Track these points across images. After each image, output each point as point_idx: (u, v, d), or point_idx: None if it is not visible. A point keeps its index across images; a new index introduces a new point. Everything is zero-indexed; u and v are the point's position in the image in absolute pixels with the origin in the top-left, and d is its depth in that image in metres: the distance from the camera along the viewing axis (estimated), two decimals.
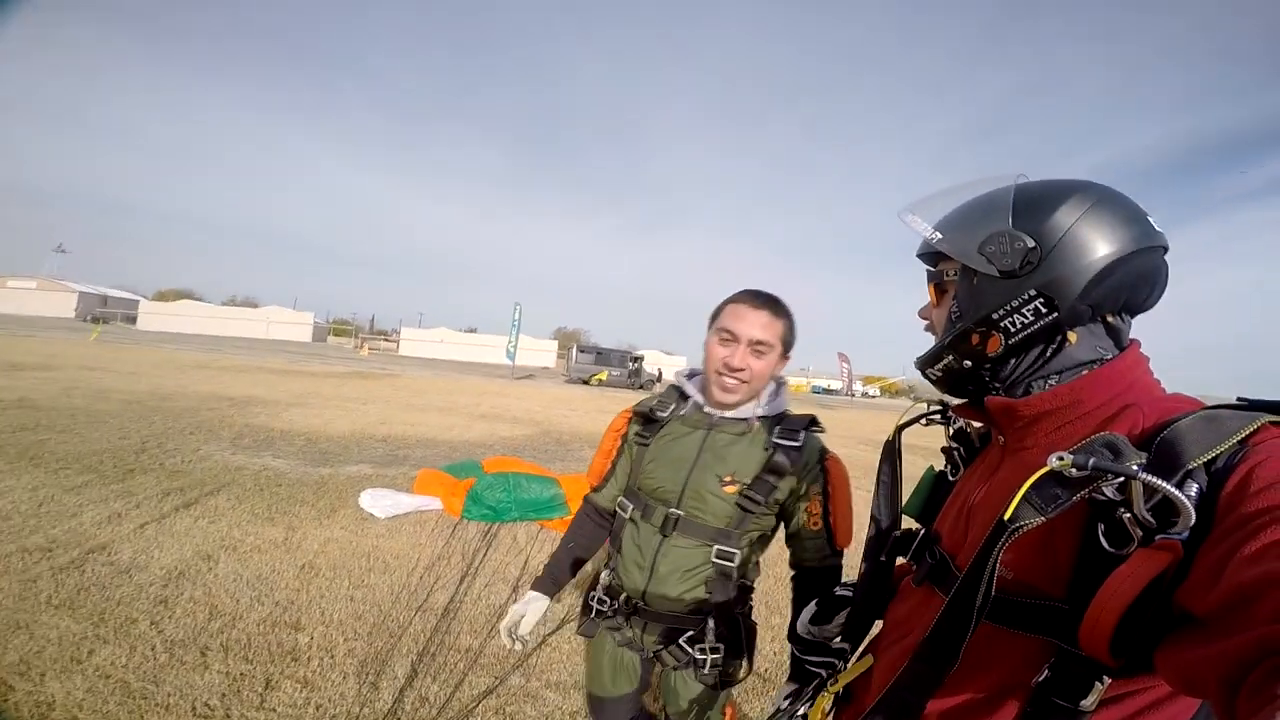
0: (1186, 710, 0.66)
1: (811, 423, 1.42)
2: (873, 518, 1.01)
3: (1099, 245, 0.71)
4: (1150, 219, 0.73)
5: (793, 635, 1.29)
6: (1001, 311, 0.76)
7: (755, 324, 1.35)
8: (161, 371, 13.50)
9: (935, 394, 1.01)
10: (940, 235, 0.82)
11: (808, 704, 1.04)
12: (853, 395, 58.44)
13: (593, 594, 1.51)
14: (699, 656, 1.35)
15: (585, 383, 27.39)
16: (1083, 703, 0.62)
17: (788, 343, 1.42)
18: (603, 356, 29.63)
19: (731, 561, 1.36)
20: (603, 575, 1.52)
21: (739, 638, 1.39)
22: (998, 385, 0.82)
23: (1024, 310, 0.74)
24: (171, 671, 2.31)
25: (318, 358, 25.73)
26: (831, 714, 1.05)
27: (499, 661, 2.66)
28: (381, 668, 2.49)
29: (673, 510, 1.39)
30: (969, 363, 0.81)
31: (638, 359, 29.80)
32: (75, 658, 2.33)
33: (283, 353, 26.30)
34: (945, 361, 0.84)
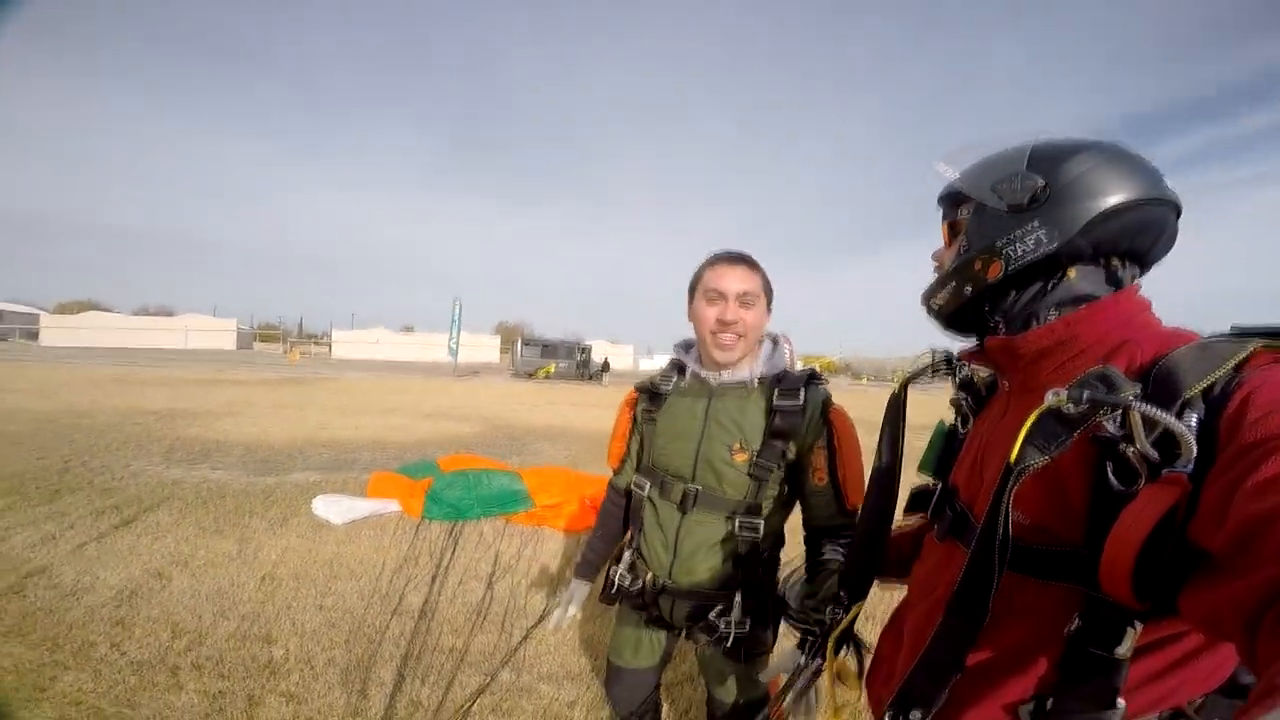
0: (1228, 658, 0.68)
1: (812, 377, 1.41)
2: (872, 476, 1.04)
3: (1106, 189, 0.73)
4: (1164, 179, 0.76)
5: (780, 602, 1.32)
6: (1004, 240, 0.79)
7: (737, 278, 1.38)
8: (73, 388, 12.50)
9: (914, 360, 1.05)
10: (958, 175, 0.87)
11: (819, 658, 1.05)
12: None
13: (615, 568, 1.53)
14: (724, 630, 1.35)
15: (532, 376, 27.04)
16: (1118, 650, 0.63)
17: (769, 294, 1.44)
18: (549, 349, 29.22)
19: (756, 533, 1.37)
20: (625, 554, 1.53)
21: (765, 609, 1.39)
22: (998, 319, 0.85)
23: (1025, 239, 0.77)
24: (145, 694, 2.20)
25: (245, 365, 24.41)
26: (849, 656, 1.07)
27: (486, 659, 2.65)
28: (367, 674, 2.44)
29: (689, 485, 1.40)
30: (969, 288, 0.84)
31: (585, 349, 29.51)
32: (38, 686, 2.19)
33: (206, 362, 24.83)
34: (949, 288, 0.87)
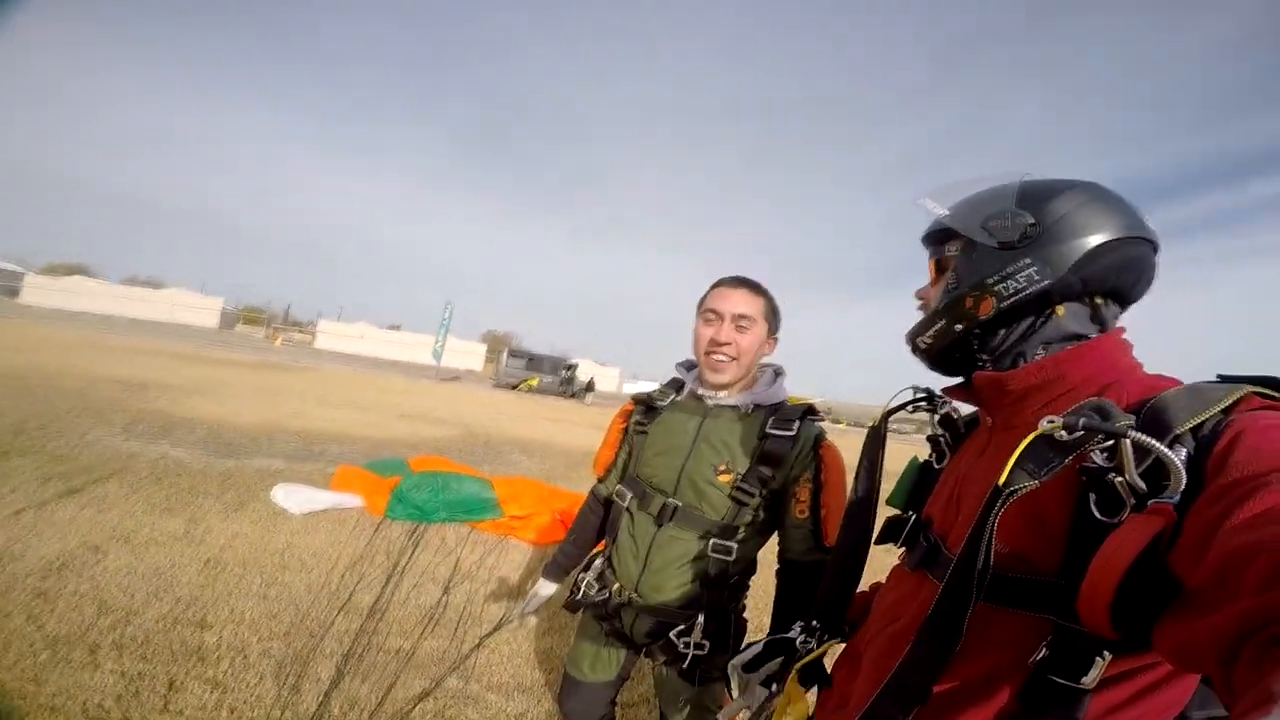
0: (1185, 692, 0.68)
1: (808, 411, 1.41)
2: (849, 505, 1.02)
3: (1094, 226, 0.76)
4: (1145, 217, 0.78)
5: (740, 629, 1.37)
6: (996, 277, 0.79)
7: (735, 300, 1.40)
8: (46, 348, 12.18)
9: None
10: (947, 212, 0.87)
11: (777, 685, 1.03)
12: None
13: (583, 576, 1.52)
14: (683, 650, 1.33)
15: (514, 388, 26.83)
16: (1083, 679, 0.62)
17: (771, 320, 1.46)
18: (534, 362, 29.08)
19: (728, 555, 1.35)
20: (596, 562, 1.53)
21: (727, 634, 1.37)
22: (985, 357, 0.85)
23: (1017, 276, 0.78)
24: (55, 670, 2.03)
25: (225, 345, 24.00)
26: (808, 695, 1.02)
27: (434, 663, 2.51)
28: (303, 669, 2.29)
29: (670, 500, 1.39)
30: (960, 326, 0.83)
31: (571, 367, 29.38)
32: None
33: (186, 337, 24.37)
34: (938, 326, 0.86)
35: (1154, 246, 0.78)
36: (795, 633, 1.08)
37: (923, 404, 1.02)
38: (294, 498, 4.46)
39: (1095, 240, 0.75)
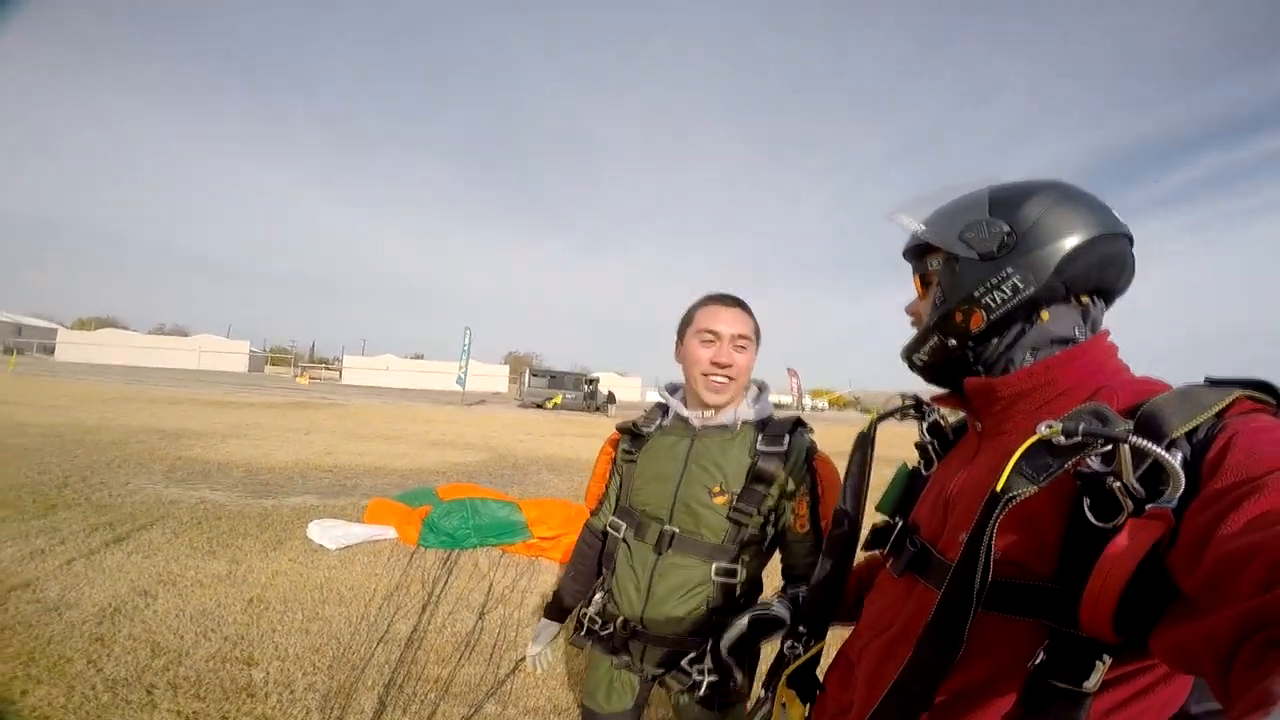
0: (1184, 689, 0.68)
1: (797, 424, 1.39)
2: (835, 512, 1.02)
3: (1068, 229, 0.76)
4: (1114, 211, 0.79)
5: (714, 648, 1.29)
6: (982, 289, 0.79)
7: (733, 320, 1.36)
8: (83, 404, 12.63)
9: (885, 402, 1.06)
10: (924, 227, 0.87)
11: (768, 692, 1.05)
12: (802, 409, 59.59)
13: (584, 611, 1.48)
14: (697, 678, 1.29)
15: (540, 406, 27.02)
16: (1085, 684, 0.62)
17: (758, 338, 1.43)
18: (556, 380, 29.34)
19: (733, 578, 1.33)
20: (597, 596, 1.48)
21: (741, 658, 1.32)
22: (980, 368, 0.85)
23: (1003, 286, 0.78)
24: (117, 711, 2.14)
25: (255, 388, 24.57)
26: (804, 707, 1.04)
27: (471, 690, 2.57)
28: (347, 701, 2.37)
29: (666, 527, 1.36)
30: (954, 341, 0.84)
31: (593, 381, 29.56)
32: (7, 699, 2.14)
33: (217, 384, 25.01)
34: (931, 343, 0.87)
35: (1129, 239, 0.79)
36: (776, 607, 1.16)
37: (911, 412, 1.03)
38: (329, 533, 4.57)
39: (1072, 242, 0.75)
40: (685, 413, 1.43)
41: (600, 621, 1.42)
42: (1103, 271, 0.78)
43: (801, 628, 1.03)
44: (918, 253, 0.92)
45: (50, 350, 41.17)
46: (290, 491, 6.14)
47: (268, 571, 3.77)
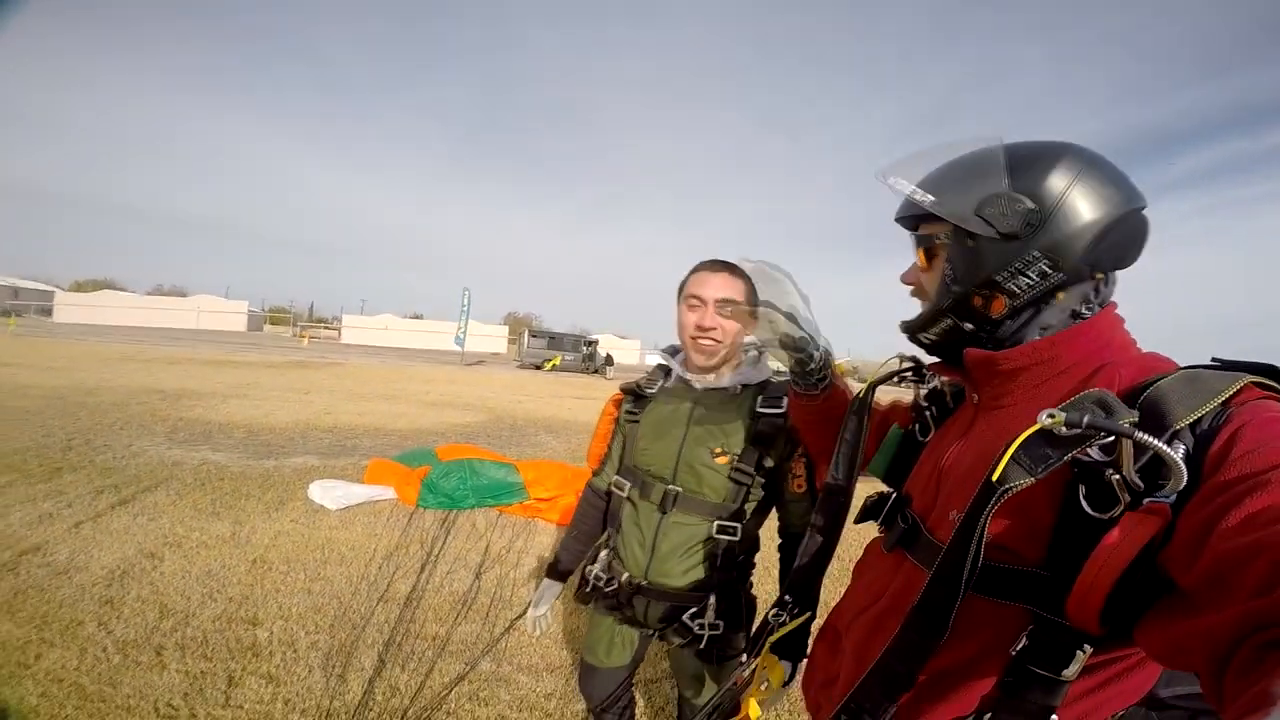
0: (1154, 674, 0.70)
1: None
2: (826, 479, 1.01)
3: (1097, 207, 0.71)
4: (1131, 180, 0.74)
5: (752, 605, 1.40)
6: (1006, 273, 0.74)
7: (717, 285, 1.39)
8: (83, 365, 12.66)
9: (882, 365, 1.05)
10: (933, 198, 0.78)
11: (747, 656, 1.07)
12: None
13: (590, 568, 1.53)
14: (698, 632, 1.37)
15: (538, 368, 27.11)
16: (1064, 672, 0.62)
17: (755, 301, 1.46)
18: (555, 341, 29.33)
19: (734, 536, 1.38)
20: (602, 554, 1.53)
21: (739, 612, 1.42)
22: (991, 346, 0.81)
23: (1029, 272, 0.73)
24: (128, 672, 2.23)
25: (254, 348, 24.60)
26: (786, 670, 1.09)
27: (468, 648, 2.68)
28: (348, 659, 2.47)
29: (670, 486, 1.40)
30: (971, 325, 0.79)
31: (592, 343, 29.54)
32: (22, 663, 2.22)
33: (216, 343, 25.03)
34: (944, 324, 0.82)
35: (1144, 208, 0.74)
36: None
37: (910, 375, 1.01)
38: (330, 494, 4.67)
39: (1101, 222, 0.71)
40: (687, 375, 1.47)
41: (605, 579, 1.48)
42: (1128, 249, 0.74)
43: (788, 597, 1.04)
44: (912, 220, 0.86)
45: (48, 312, 41.04)
46: (291, 452, 6.23)
47: (270, 532, 3.87)
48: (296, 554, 3.57)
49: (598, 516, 1.65)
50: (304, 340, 34.78)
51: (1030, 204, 0.72)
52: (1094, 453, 0.60)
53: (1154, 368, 0.67)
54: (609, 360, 29.45)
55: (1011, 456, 0.62)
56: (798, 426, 1.24)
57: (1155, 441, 0.55)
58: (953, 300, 0.79)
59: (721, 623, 1.38)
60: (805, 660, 1.07)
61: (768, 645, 1.04)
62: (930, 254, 0.84)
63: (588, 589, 1.52)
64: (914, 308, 0.89)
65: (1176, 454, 0.55)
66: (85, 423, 6.69)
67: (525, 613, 2.98)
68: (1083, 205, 0.71)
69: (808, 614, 1.04)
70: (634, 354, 50.51)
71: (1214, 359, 0.65)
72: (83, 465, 4.99)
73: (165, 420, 7.29)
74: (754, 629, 1.11)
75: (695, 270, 1.45)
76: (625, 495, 1.48)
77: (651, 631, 1.47)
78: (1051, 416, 0.60)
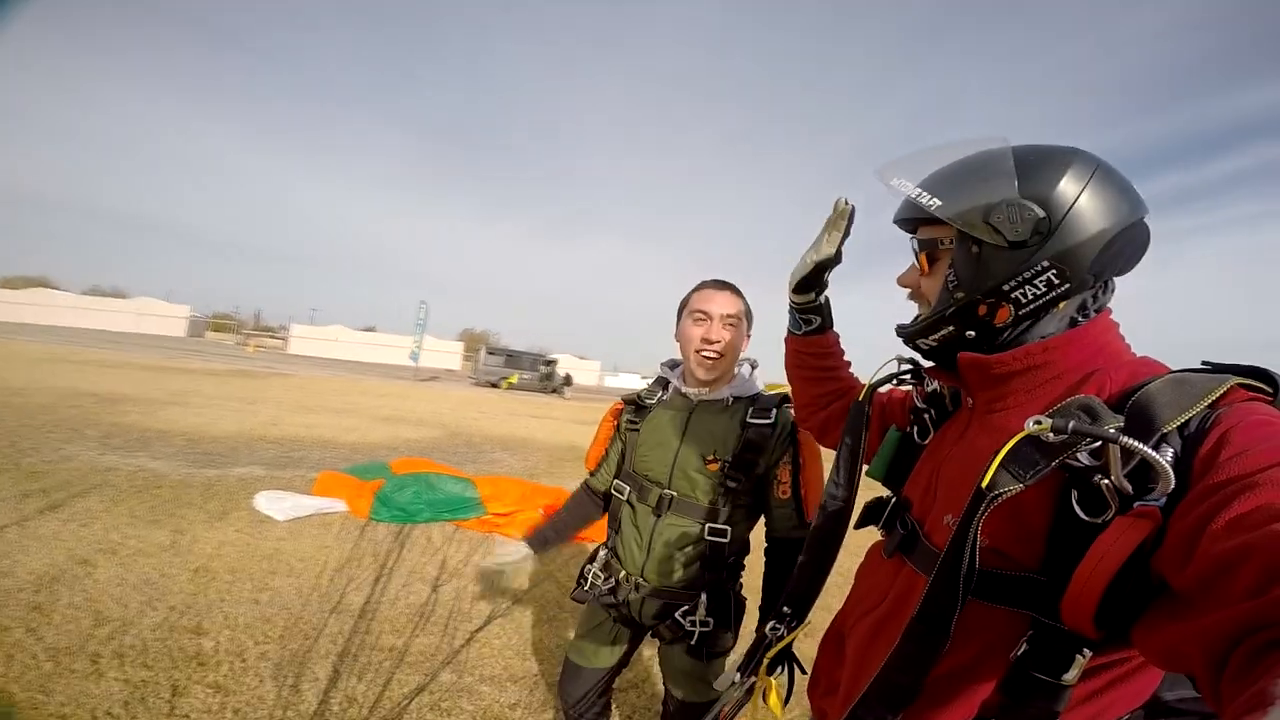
0: (1156, 677, 0.70)
1: (784, 399, 1.51)
2: (827, 489, 0.99)
3: (1105, 216, 0.70)
4: (1135, 189, 0.74)
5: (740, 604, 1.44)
6: (1013, 283, 0.73)
7: (723, 302, 1.49)
8: (10, 364, 11.88)
9: (880, 367, 1.01)
10: (940, 202, 0.76)
11: (752, 674, 1.05)
12: None
13: (589, 567, 1.61)
14: (689, 629, 1.44)
15: (494, 386, 26.70)
16: (1064, 676, 0.62)
17: (749, 319, 1.56)
18: (513, 359, 28.91)
19: (723, 538, 1.45)
20: (601, 553, 1.61)
21: (728, 611, 1.48)
22: (986, 350, 0.80)
23: (1036, 282, 0.72)
24: (61, 680, 2.09)
25: (196, 354, 23.53)
26: (781, 675, 1.08)
27: (427, 659, 2.61)
28: (300, 669, 2.37)
29: (665, 490, 1.48)
30: (973, 333, 0.78)
31: (551, 362, 29.25)
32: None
33: (155, 348, 23.85)
34: (945, 332, 0.80)
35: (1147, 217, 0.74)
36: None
37: (908, 378, 1.00)
38: (278, 505, 4.50)
39: (1110, 233, 0.70)
40: (684, 388, 1.56)
41: (604, 577, 1.56)
42: (1130, 257, 0.75)
43: (786, 608, 1.02)
44: (912, 222, 0.85)
45: None
46: (235, 462, 5.97)
47: (213, 541, 3.70)
48: (242, 564, 3.42)
49: (586, 506, 1.74)
50: (252, 349, 33.46)
51: (1040, 212, 0.70)
52: (1083, 458, 0.60)
53: (1145, 372, 0.67)
54: (567, 380, 29.25)
55: (1000, 463, 0.62)
56: (790, 375, 1.26)
57: (1140, 446, 0.55)
58: (956, 307, 0.78)
59: (711, 620, 1.45)
60: (802, 671, 1.08)
61: (766, 662, 1.03)
62: (932, 259, 0.82)
63: (585, 587, 1.58)
64: (902, 313, 0.90)
65: (1164, 457, 0.56)
66: (10, 424, 6.27)
67: (487, 624, 2.96)
68: (1092, 214, 0.70)
69: (803, 626, 1.03)
70: (593, 375, 50.18)
71: (1203, 362, 0.65)
72: (7, 468, 4.68)
73: (98, 425, 6.89)
74: (750, 646, 1.09)
75: (699, 288, 1.54)
76: (624, 499, 1.56)
77: (644, 629, 1.55)
78: (1038, 423, 0.60)
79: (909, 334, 0.86)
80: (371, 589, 3.28)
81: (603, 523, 1.68)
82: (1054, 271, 0.71)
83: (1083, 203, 0.70)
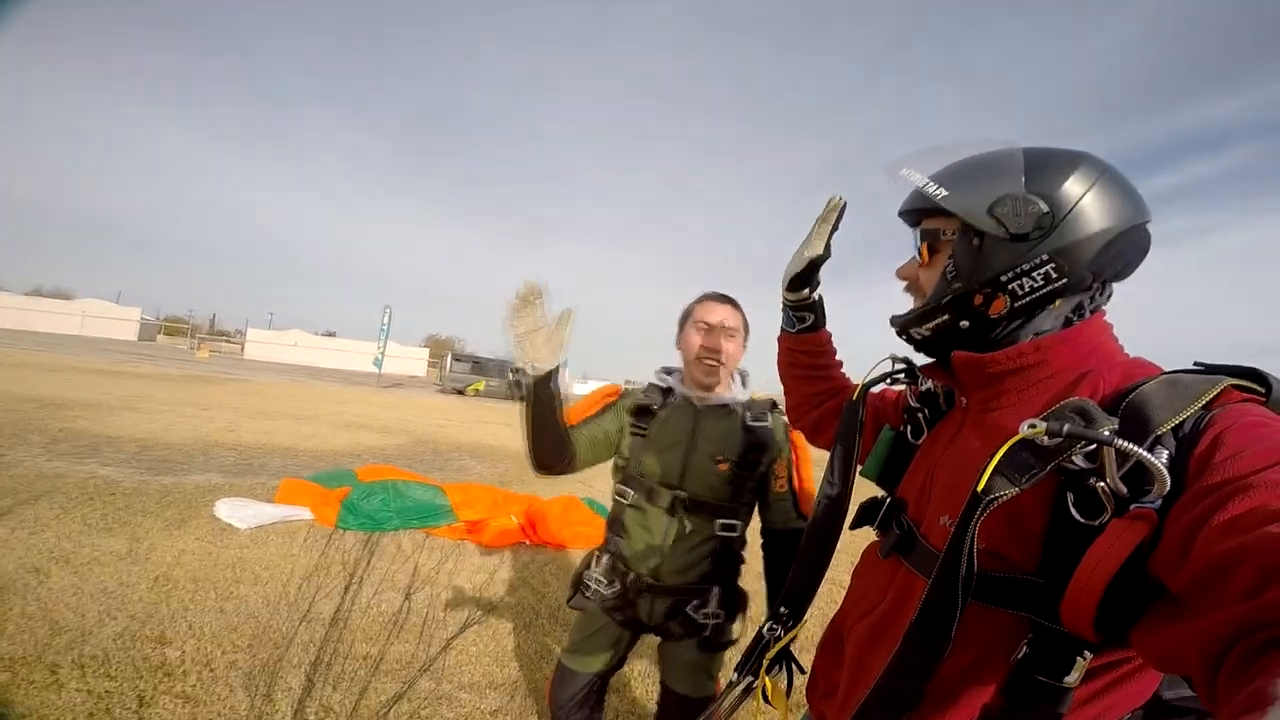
0: (1157, 677, 0.70)
1: (774, 405, 1.62)
2: (822, 488, 0.99)
3: (1108, 217, 0.71)
4: (1140, 195, 0.75)
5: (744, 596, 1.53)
6: (1011, 274, 0.73)
7: (724, 313, 1.57)
8: None
9: (873, 366, 1.02)
10: (946, 192, 0.77)
11: (751, 676, 1.05)
12: None
13: (588, 574, 1.62)
14: (701, 622, 1.51)
15: (460, 393, 26.31)
16: (1066, 679, 0.62)
17: (746, 331, 1.64)
18: (480, 366, 28.46)
19: (734, 533, 1.55)
20: (602, 559, 1.61)
21: (735, 603, 1.59)
22: (980, 348, 0.80)
23: (1034, 274, 0.72)
24: (19, 691, 2.00)
25: (147, 358, 22.62)
26: (780, 675, 1.09)
27: (403, 667, 2.56)
28: (273, 679, 2.31)
29: (678, 492, 1.53)
30: (967, 323, 0.78)
31: (518, 370, 28.92)
32: None
33: (104, 351, 22.85)
34: (939, 321, 0.80)
35: (1149, 223, 0.75)
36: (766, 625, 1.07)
37: (902, 377, 1.01)
38: (239, 512, 4.36)
39: (1111, 233, 0.71)
40: (690, 394, 1.61)
41: (606, 582, 1.58)
42: (1127, 262, 0.76)
43: (783, 609, 1.02)
44: (915, 214, 0.85)
45: None
46: (191, 469, 5.77)
47: (173, 550, 3.57)
48: (204, 573, 3.31)
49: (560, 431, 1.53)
50: (203, 353, 32.32)
51: (1044, 207, 0.71)
52: (1078, 460, 0.60)
53: (1138, 373, 0.67)
54: None
55: (995, 467, 0.63)
56: (783, 374, 1.27)
57: (1135, 448, 0.55)
58: (952, 297, 0.78)
59: (723, 612, 1.54)
60: (801, 671, 1.09)
61: (766, 662, 1.03)
62: (933, 249, 0.83)
63: (587, 594, 1.60)
64: (895, 307, 0.91)
65: (1159, 459, 0.55)
66: None
67: (463, 630, 2.92)
68: (1095, 213, 0.71)
69: (801, 624, 1.03)
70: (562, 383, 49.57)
71: (1196, 363, 0.65)
72: None
73: (43, 430, 6.58)
74: (749, 646, 1.09)
75: (701, 300, 1.62)
76: (629, 503, 1.58)
77: (651, 629, 1.59)
78: (1033, 426, 0.61)
79: (903, 323, 0.86)
80: (342, 597, 3.20)
81: (587, 531, 1.68)
82: (1052, 265, 0.72)
83: (1087, 201, 0.71)
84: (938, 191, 0.77)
